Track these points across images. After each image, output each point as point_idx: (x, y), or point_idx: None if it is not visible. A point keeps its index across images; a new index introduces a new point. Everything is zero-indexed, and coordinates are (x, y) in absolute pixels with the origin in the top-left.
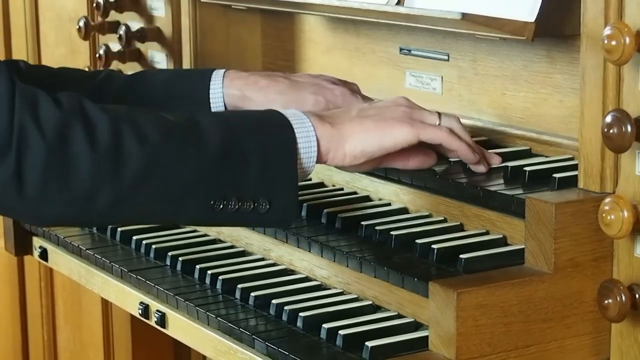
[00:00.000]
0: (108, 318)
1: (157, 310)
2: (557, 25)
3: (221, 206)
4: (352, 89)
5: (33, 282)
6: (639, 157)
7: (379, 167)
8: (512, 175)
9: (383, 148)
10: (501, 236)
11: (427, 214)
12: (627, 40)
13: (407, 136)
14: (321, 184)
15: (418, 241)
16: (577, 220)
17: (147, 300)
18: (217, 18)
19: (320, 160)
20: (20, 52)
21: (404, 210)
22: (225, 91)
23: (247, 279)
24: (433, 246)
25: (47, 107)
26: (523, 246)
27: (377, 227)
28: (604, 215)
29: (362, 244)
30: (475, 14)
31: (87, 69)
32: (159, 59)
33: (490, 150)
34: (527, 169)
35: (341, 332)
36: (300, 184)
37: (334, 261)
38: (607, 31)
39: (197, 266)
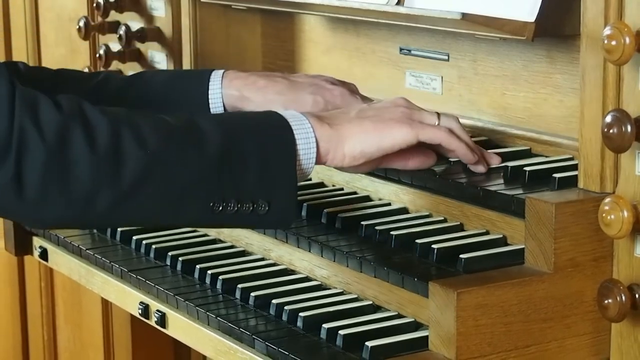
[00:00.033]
0: (108, 318)
1: (157, 310)
2: (557, 25)
3: (220, 208)
4: (350, 89)
5: (33, 282)
6: (639, 157)
7: (379, 167)
8: (512, 175)
9: (382, 149)
10: (501, 236)
11: (427, 214)
12: (627, 40)
13: (406, 137)
14: (321, 184)
15: (418, 241)
16: (577, 220)
17: (147, 300)
18: (217, 18)
19: (319, 161)
20: (20, 52)
21: (404, 210)
22: (224, 92)
23: (247, 279)
24: (433, 246)
25: (47, 109)
26: (523, 246)
27: (377, 227)
28: (604, 215)
29: (362, 244)
30: (475, 14)
31: (87, 69)
32: (159, 59)
33: (490, 150)
34: (527, 169)
35: (341, 332)
36: (300, 183)
37: (334, 261)
38: (607, 31)
39: (197, 266)
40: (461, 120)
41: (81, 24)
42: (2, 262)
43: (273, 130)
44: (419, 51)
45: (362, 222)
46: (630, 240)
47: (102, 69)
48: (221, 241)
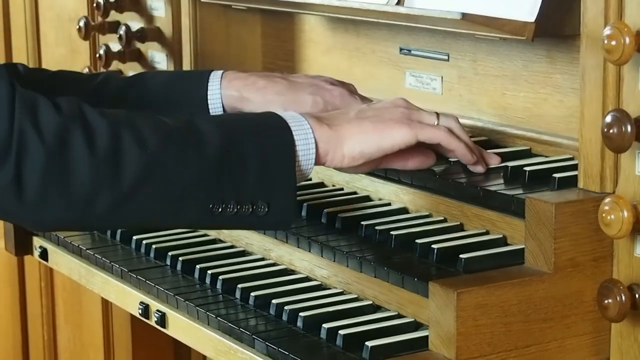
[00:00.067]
0: (108, 318)
1: (157, 310)
2: (557, 25)
3: (220, 209)
4: (350, 89)
5: (33, 282)
6: (639, 157)
7: (378, 167)
8: (512, 175)
9: (381, 149)
10: (501, 236)
11: (427, 214)
12: (627, 40)
13: (406, 137)
14: (321, 184)
15: (418, 241)
16: (577, 220)
17: (147, 300)
18: (217, 18)
19: (318, 162)
20: (20, 52)
21: (404, 210)
22: (224, 92)
23: (247, 279)
24: (433, 246)
25: (46, 111)
26: (523, 246)
27: (377, 227)
28: (604, 215)
29: (362, 244)
30: (475, 14)
31: (87, 69)
32: (159, 59)
33: (489, 150)
34: (527, 169)
35: (341, 332)
36: (300, 184)
37: (334, 261)
38: (607, 31)
39: (197, 266)
40: (461, 120)
41: (81, 24)
42: (2, 262)
43: (272, 132)
44: (419, 51)
45: (362, 222)
46: (630, 240)
47: (102, 69)
48: (221, 241)
